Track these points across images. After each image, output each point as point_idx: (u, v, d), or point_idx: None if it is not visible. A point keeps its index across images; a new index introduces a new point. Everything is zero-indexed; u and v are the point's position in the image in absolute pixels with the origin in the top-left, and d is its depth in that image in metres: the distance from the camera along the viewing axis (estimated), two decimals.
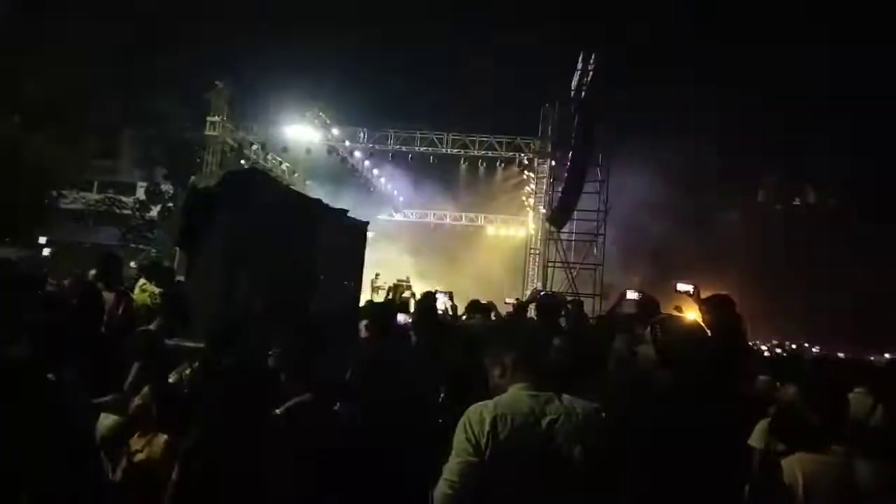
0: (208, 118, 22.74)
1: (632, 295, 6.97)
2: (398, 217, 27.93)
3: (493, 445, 2.30)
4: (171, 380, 3.48)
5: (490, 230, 27.70)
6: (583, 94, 18.49)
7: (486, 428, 2.32)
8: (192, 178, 19.56)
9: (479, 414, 2.37)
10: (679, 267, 22.14)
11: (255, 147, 23.56)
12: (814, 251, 35.43)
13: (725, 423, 2.60)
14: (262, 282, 5.58)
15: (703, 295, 5.32)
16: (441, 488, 2.32)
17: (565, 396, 2.42)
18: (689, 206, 34.28)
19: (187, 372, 3.51)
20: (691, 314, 5.11)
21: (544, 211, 22.41)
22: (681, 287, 6.38)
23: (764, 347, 14.27)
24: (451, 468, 2.34)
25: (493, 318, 7.84)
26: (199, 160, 23.28)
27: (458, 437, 2.37)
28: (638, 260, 26.27)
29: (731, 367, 4.08)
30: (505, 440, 2.31)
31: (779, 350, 11.53)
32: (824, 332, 28.43)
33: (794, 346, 13.69)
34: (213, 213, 5.65)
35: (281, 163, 24.24)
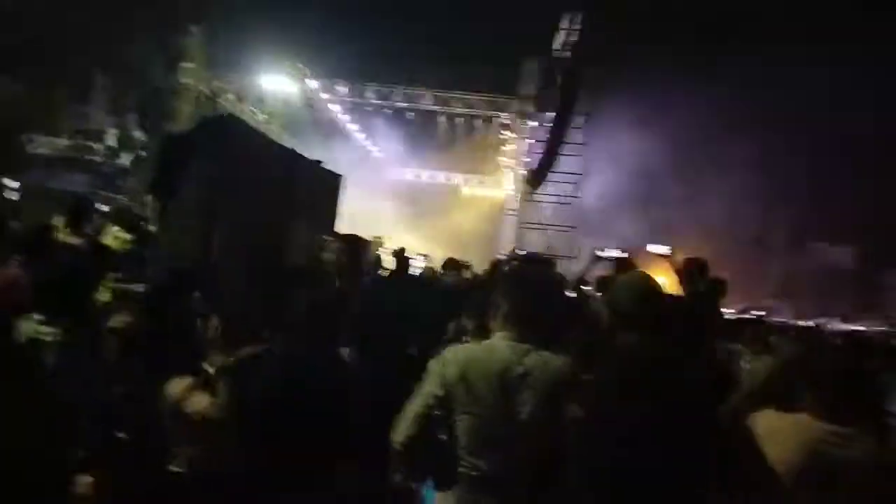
0: (182, 65, 22.15)
1: (604, 254, 7.06)
2: (375, 173, 27.66)
3: (460, 386, 2.37)
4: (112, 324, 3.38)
5: (467, 189, 27.59)
6: (566, 55, 18.31)
7: (458, 369, 2.38)
8: (165, 125, 19.16)
9: (454, 354, 2.45)
10: (657, 231, 22.35)
11: (230, 96, 23.03)
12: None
13: (692, 383, 2.62)
14: (235, 231, 5.50)
15: (680, 257, 5.39)
16: (404, 414, 2.41)
17: (543, 352, 2.44)
18: (669, 171, 34.50)
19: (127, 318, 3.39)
20: (662, 277, 5.15)
21: (523, 172, 22.37)
22: (653, 249, 6.40)
23: (732, 311, 14.62)
24: (416, 397, 2.42)
25: (469, 276, 7.88)
26: (172, 108, 22.74)
27: (430, 372, 2.44)
28: (616, 223, 26.44)
29: (701, 330, 4.13)
30: (473, 384, 2.37)
31: (747, 315, 11.81)
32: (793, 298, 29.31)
33: (762, 312, 14.06)
34: (187, 159, 5.51)
35: (256, 114, 23.77)
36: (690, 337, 3.21)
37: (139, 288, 4.31)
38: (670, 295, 3.55)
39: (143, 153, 24.29)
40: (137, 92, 25.08)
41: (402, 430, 2.40)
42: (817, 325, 16.56)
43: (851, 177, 34.24)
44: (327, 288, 4.56)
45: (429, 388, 2.40)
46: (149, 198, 9.40)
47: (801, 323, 15.31)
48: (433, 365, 2.45)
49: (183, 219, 5.49)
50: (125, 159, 26.19)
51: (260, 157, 6.24)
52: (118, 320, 3.34)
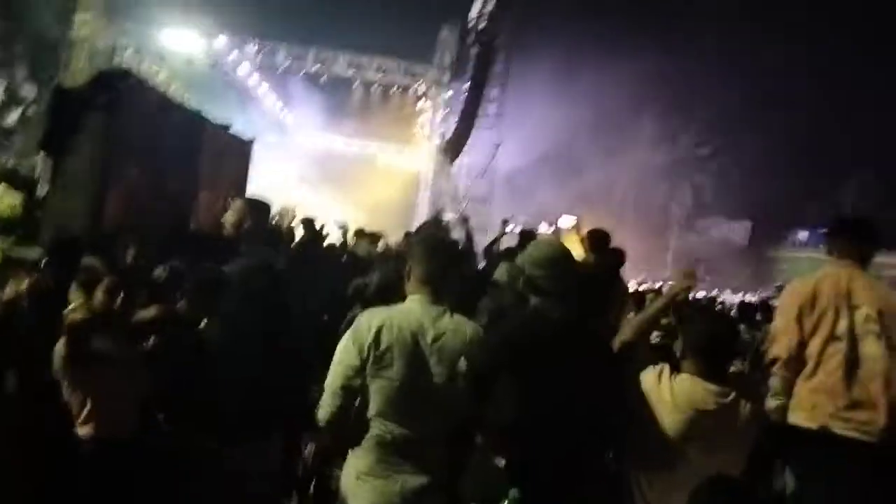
0: (77, 15, 20.59)
1: (512, 225, 7.20)
2: (286, 138, 26.86)
3: (374, 351, 2.35)
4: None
5: (382, 159, 27.27)
6: (483, 24, 18.30)
7: (371, 335, 2.36)
8: (58, 79, 17.82)
9: (368, 320, 2.41)
10: (567, 204, 22.94)
11: (129, 51, 21.64)
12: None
13: (598, 346, 2.74)
14: (136, 193, 5.22)
15: (585, 229, 5.60)
16: (325, 389, 2.37)
17: (456, 315, 2.47)
18: (578, 148, 35.43)
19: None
20: (571, 246, 5.31)
21: (439, 142, 22.34)
22: (562, 221, 6.62)
23: (634, 281, 15.30)
24: (335, 369, 2.38)
25: (382, 246, 7.84)
26: (65, 61, 21.16)
27: (344, 342, 2.41)
28: (528, 195, 26.99)
29: (604, 296, 4.30)
30: (387, 348, 2.36)
31: (642, 287, 12.50)
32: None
33: (657, 285, 14.79)
34: (83, 115, 5.15)
35: (158, 71, 22.46)
36: (595, 302, 3.35)
37: (32, 253, 4.05)
38: (577, 262, 3.68)
39: (32, 110, 22.58)
40: (26, 43, 23.17)
41: (324, 406, 2.36)
42: (711, 297, 17.58)
43: (750, 154, 36.23)
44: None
45: (346, 358, 2.36)
46: (39, 157, 8.77)
47: (698, 294, 16.20)
48: (348, 333, 2.41)
49: (76, 179, 5.16)
50: (13, 115, 24.26)
51: (161, 117, 5.93)
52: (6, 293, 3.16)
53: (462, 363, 2.38)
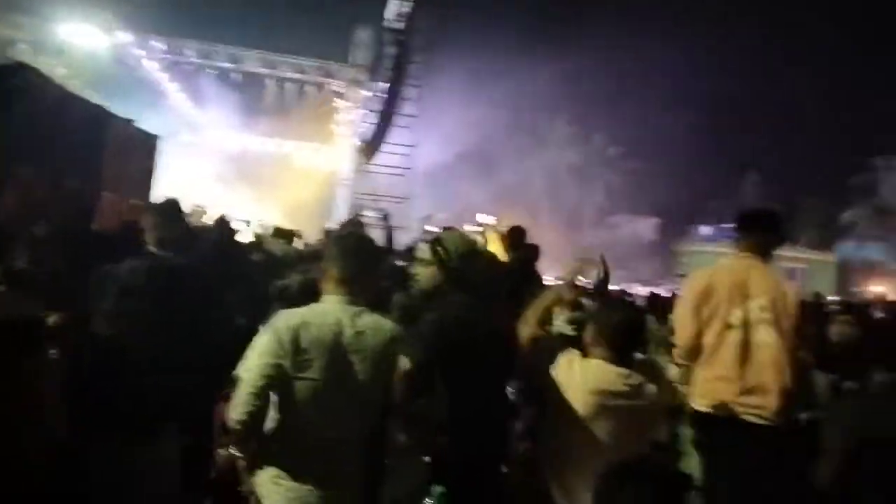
0: None
1: (430, 225, 7.25)
2: (199, 137, 25.92)
3: (294, 351, 2.31)
4: None
5: (298, 158, 26.72)
6: (398, 25, 18.27)
7: (291, 334, 2.32)
8: None
9: (286, 320, 2.36)
10: (485, 202, 23.26)
11: (22, 46, 20.29)
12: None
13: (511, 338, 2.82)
14: (28, 189, 4.91)
15: (505, 227, 5.73)
16: (239, 390, 2.31)
17: (374, 314, 2.46)
18: (495, 147, 35.99)
19: None
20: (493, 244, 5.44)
21: (356, 141, 22.14)
22: (481, 218, 6.74)
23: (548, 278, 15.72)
24: (250, 370, 2.32)
25: (301, 245, 7.70)
26: None
27: (262, 340, 2.34)
28: (448, 194, 27.16)
29: (520, 289, 4.40)
30: (306, 348, 2.32)
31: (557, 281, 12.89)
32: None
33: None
34: None
35: (56, 66, 21.16)
36: (511, 295, 3.44)
37: None
38: (494, 257, 3.77)
39: None
40: None
41: (241, 406, 2.28)
42: (621, 289, 18.21)
43: (656, 155, 37.84)
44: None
45: (263, 359, 2.30)
46: None
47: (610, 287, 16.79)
48: (265, 333, 2.35)
49: None
50: None
51: (61, 111, 5.61)
52: None
53: (382, 361, 2.38)
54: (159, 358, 2.82)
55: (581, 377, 2.65)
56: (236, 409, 2.30)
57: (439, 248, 2.90)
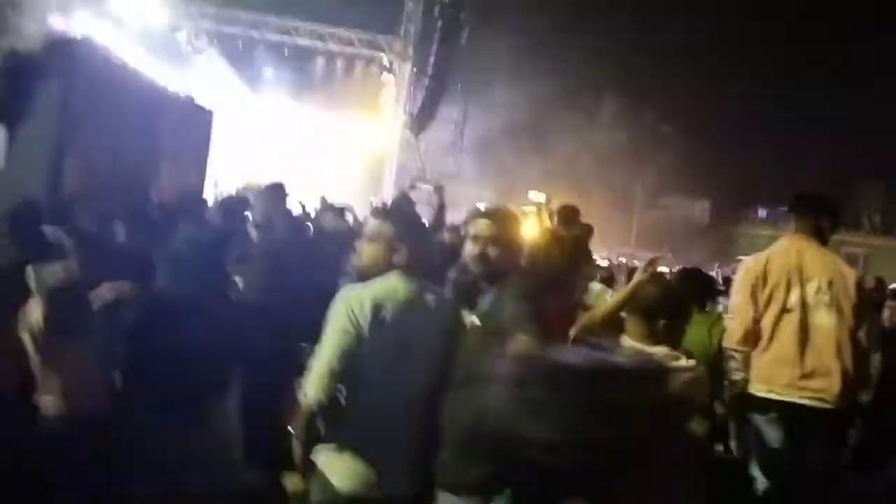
0: None
1: (480, 204, 7.18)
2: (249, 111, 26.25)
3: (374, 328, 2.32)
4: None
5: (348, 132, 26.84)
6: None
7: (368, 312, 2.32)
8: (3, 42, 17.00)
9: (358, 296, 2.36)
10: (530, 180, 23.04)
11: (80, 13, 20.68)
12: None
13: None
14: (90, 165, 5.04)
15: (555, 204, 5.67)
16: (317, 369, 2.32)
17: (437, 289, 2.49)
18: (544, 124, 35.50)
19: None
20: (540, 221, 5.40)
21: (404, 117, 22.11)
22: (533, 196, 6.67)
23: (598, 258, 15.49)
24: (328, 349, 2.33)
25: (350, 219, 7.74)
26: (9, 22, 20.11)
27: (339, 321, 2.34)
28: (494, 172, 26.95)
29: (576, 267, 4.37)
30: (385, 324, 2.33)
31: (607, 261, 12.70)
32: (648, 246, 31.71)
33: (622, 259, 15.02)
34: (36, 82, 4.93)
35: (113, 38, 21.56)
36: (566, 272, 3.42)
37: None
38: (552, 235, 3.75)
39: None
40: None
41: (320, 385, 2.31)
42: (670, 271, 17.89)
43: (713, 138, 36.81)
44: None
45: (340, 337, 2.31)
46: None
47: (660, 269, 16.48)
48: (337, 310, 2.36)
49: (29, 150, 4.97)
50: None
51: (119, 86, 5.72)
52: None
53: (447, 337, 2.39)
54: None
55: None
56: (311, 387, 2.33)
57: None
